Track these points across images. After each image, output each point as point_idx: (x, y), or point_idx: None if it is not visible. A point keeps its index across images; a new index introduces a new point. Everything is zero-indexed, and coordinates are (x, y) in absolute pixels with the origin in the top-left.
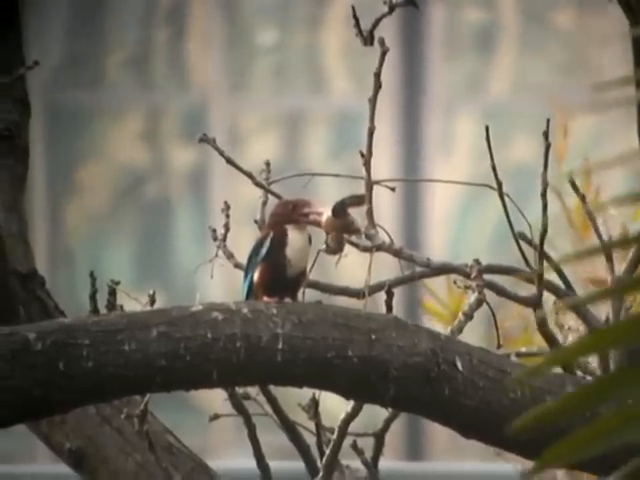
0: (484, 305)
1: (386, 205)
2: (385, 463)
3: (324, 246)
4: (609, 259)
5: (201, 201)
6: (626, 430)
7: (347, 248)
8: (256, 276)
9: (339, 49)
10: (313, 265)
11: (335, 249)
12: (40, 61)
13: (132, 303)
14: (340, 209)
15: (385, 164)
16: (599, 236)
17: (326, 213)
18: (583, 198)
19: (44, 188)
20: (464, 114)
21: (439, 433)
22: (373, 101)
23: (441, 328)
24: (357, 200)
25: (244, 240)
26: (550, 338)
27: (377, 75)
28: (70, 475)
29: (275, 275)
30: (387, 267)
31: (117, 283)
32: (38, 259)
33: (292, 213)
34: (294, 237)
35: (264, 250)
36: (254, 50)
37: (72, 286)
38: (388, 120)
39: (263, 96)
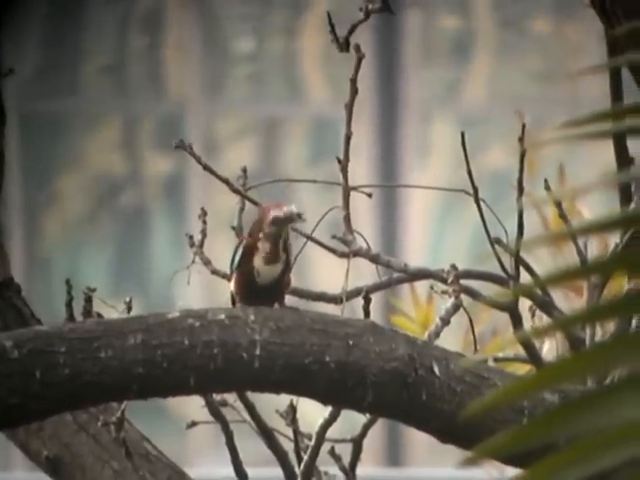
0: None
1: (364, 211)
2: (363, 469)
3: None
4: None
5: (178, 208)
6: (627, 446)
7: (325, 254)
8: (232, 285)
9: (316, 56)
10: (289, 270)
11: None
12: (16, 69)
13: (109, 310)
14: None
15: (362, 170)
16: (578, 251)
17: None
18: (559, 205)
19: (20, 196)
20: (441, 121)
21: (418, 439)
22: (350, 107)
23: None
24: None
25: (221, 247)
26: (527, 344)
27: (353, 81)
28: None
29: (246, 284)
30: (364, 273)
31: (93, 290)
32: (14, 267)
33: (264, 218)
34: (264, 246)
35: (237, 259)
36: (230, 57)
37: (48, 294)
38: (365, 127)
39: (240, 103)
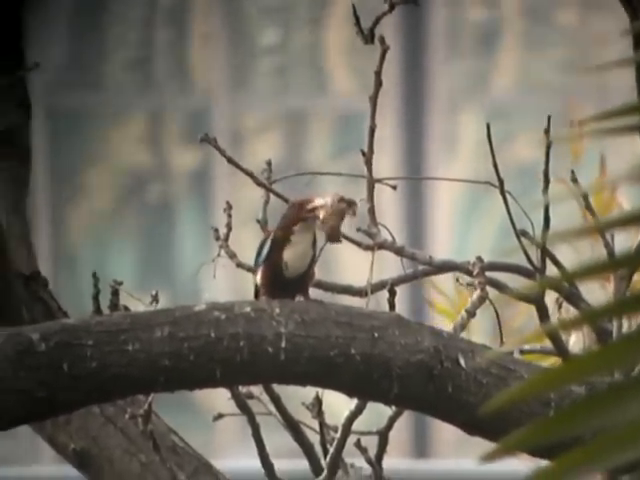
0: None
1: (389, 204)
2: (389, 461)
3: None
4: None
5: (203, 202)
6: None
7: (350, 247)
8: (258, 278)
9: (341, 48)
10: (314, 264)
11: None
12: (42, 63)
13: (135, 303)
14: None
15: (387, 163)
16: (605, 244)
17: (325, 203)
18: (586, 197)
19: (47, 190)
20: (467, 113)
21: (444, 431)
22: (374, 99)
23: (449, 327)
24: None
25: (246, 240)
26: (554, 337)
27: (378, 73)
28: (75, 476)
29: (273, 277)
30: (389, 266)
31: (120, 283)
32: (41, 261)
33: (299, 212)
34: (296, 239)
35: (265, 252)
36: (256, 50)
37: (75, 287)
38: (391, 119)
39: (265, 96)
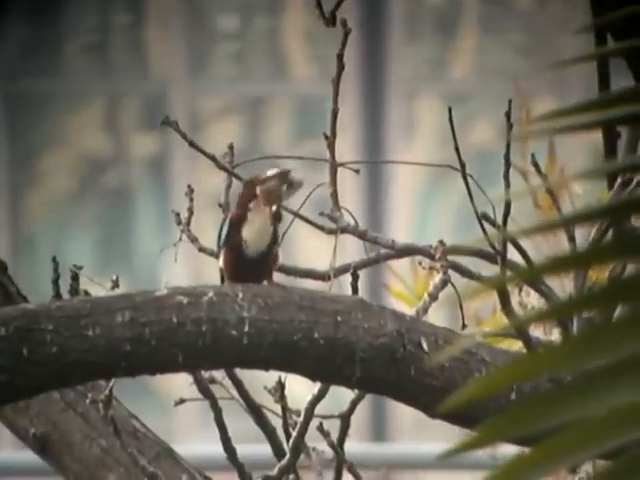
0: (451, 287)
1: (349, 188)
2: (349, 444)
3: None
4: (571, 239)
5: (163, 187)
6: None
7: (312, 231)
8: (221, 262)
9: (301, 33)
10: (276, 245)
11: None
12: None
13: (96, 288)
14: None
15: (348, 147)
16: (560, 212)
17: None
18: (544, 176)
19: (5, 176)
20: (427, 97)
21: (404, 414)
22: (336, 82)
23: (407, 310)
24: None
25: (207, 225)
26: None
27: (340, 57)
28: (35, 461)
29: (234, 259)
30: (352, 249)
31: (80, 268)
32: (0, 245)
33: (252, 189)
34: (253, 216)
35: (224, 233)
36: (214, 35)
37: (34, 272)
38: (351, 104)
39: (224, 81)
